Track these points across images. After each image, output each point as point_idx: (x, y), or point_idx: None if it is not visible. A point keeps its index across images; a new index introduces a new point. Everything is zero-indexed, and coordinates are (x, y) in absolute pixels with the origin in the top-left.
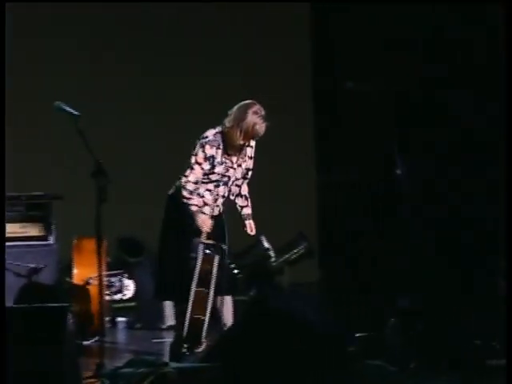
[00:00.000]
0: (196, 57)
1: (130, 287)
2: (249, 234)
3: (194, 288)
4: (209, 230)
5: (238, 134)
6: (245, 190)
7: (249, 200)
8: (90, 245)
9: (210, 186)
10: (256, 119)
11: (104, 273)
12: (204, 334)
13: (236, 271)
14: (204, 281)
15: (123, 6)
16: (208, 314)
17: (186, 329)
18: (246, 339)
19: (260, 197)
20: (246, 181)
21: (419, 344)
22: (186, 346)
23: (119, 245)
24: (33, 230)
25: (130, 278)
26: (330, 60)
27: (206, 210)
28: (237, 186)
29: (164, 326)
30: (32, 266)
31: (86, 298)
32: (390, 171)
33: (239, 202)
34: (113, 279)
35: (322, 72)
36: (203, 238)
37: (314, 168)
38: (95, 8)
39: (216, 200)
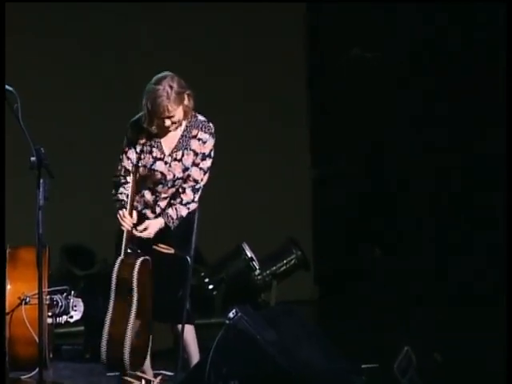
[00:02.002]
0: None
1: (78, 307)
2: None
3: (112, 301)
4: (128, 228)
5: (145, 113)
6: (187, 196)
7: (178, 212)
8: (28, 254)
9: (150, 184)
10: (155, 94)
11: (45, 289)
12: (126, 358)
13: (210, 287)
14: (123, 292)
15: None
16: (129, 334)
17: (103, 351)
18: (219, 375)
19: (238, 195)
20: (189, 185)
21: (439, 378)
22: (107, 373)
23: (65, 254)
24: None
25: (78, 295)
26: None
27: (148, 213)
28: (182, 188)
29: None
30: None
31: (23, 321)
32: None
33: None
34: (56, 297)
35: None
36: (124, 239)
37: (307, 157)
38: None
39: (156, 201)
